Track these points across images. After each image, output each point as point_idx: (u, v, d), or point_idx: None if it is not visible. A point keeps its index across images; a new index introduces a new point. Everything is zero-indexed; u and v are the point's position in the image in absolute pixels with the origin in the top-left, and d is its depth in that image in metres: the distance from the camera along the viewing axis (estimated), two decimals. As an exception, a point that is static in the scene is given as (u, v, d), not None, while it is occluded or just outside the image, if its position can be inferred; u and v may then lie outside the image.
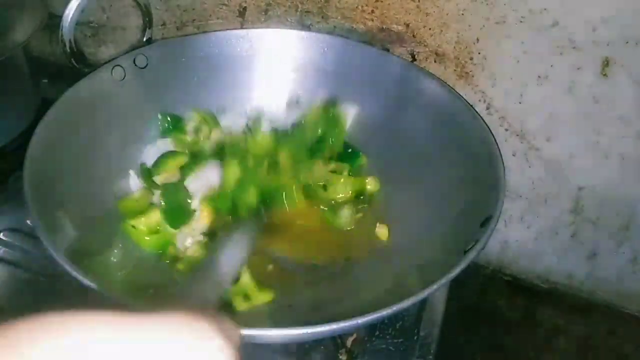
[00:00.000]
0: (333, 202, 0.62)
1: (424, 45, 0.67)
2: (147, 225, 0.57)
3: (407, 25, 0.67)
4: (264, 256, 0.56)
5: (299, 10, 0.71)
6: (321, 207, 0.62)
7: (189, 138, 0.66)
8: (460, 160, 0.58)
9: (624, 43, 0.58)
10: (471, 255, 0.45)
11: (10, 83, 0.69)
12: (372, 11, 0.67)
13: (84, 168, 0.57)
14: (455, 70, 0.67)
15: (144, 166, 0.63)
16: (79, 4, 0.59)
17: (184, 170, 0.62)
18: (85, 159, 0.58)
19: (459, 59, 0.66)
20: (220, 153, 0.63)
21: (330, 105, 0.67)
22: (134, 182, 0.62)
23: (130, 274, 0.52)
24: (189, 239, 0.58)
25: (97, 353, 0.25)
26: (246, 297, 0.53)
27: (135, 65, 0.64)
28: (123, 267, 0.52)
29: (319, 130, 0.64)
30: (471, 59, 0.66)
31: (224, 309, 0.43)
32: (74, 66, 0.62)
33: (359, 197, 0.63)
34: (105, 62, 0.62)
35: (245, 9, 0.73)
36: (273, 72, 0.69)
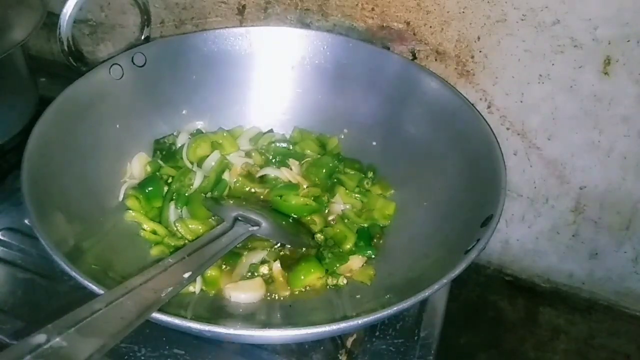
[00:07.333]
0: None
1: (425, 44, 0.67)
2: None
3: (408, 23, 0.66)
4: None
5: (299, 8, 0.70)
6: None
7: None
8: (461, 159, 0.58)
9: (625, 41, 0.58)
10: (472, 255, 0.45)
11: (8, 81, 0.69)
12: (373, 9, 0.67)
13: (82, 167, 0.57)
14: (456, 68, 0.67)
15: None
16: (77, 2, 0.59)
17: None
18: (84, 157, 0.57)
19: (459, 57, 0.66)
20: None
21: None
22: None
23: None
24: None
25: None
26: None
27: (134, 63, 0.63)
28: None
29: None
30: (472, 57, 0.65)
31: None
32: (72, 64, 0.62)
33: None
34: (104, 61, 0.62)
35: (244, 6, 0.73)
36: (272, 71, 0.69)
